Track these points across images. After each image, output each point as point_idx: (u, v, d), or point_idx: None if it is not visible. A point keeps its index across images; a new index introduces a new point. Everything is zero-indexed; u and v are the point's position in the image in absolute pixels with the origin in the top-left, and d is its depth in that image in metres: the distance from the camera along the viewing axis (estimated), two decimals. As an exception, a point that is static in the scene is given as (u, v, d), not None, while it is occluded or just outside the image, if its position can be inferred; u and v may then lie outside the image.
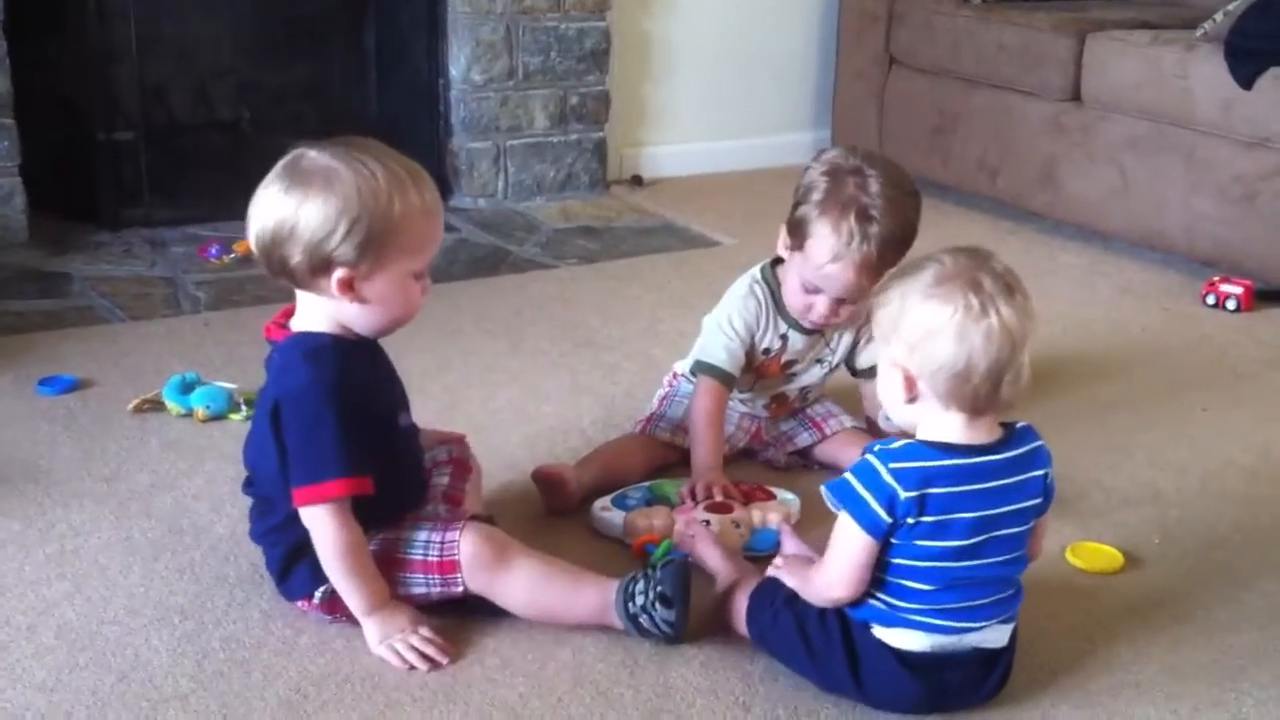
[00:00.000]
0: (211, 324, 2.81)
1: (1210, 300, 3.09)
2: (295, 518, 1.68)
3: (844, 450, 2.17)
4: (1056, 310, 3.01)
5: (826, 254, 2.00)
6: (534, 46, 3.69)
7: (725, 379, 2.13)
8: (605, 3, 3.77)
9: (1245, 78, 3.10)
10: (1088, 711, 1.65)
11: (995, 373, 1.49)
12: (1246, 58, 3.10)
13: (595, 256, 3.36)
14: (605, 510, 2.01)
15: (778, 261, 2.16)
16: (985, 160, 3.72)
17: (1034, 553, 1.65)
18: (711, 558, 1.85)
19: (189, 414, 2.34)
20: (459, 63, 3.64)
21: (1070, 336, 2.89)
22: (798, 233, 2.05)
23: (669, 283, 3.17)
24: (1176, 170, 3.28)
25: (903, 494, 1.52)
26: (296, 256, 1.65)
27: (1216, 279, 3.12)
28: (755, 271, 2.19)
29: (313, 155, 1.66)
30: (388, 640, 1.69)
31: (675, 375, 2.29)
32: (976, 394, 1.51)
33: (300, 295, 1.73)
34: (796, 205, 2.05)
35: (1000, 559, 1.57)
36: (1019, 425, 1.60)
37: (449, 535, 1.73)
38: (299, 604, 1.77)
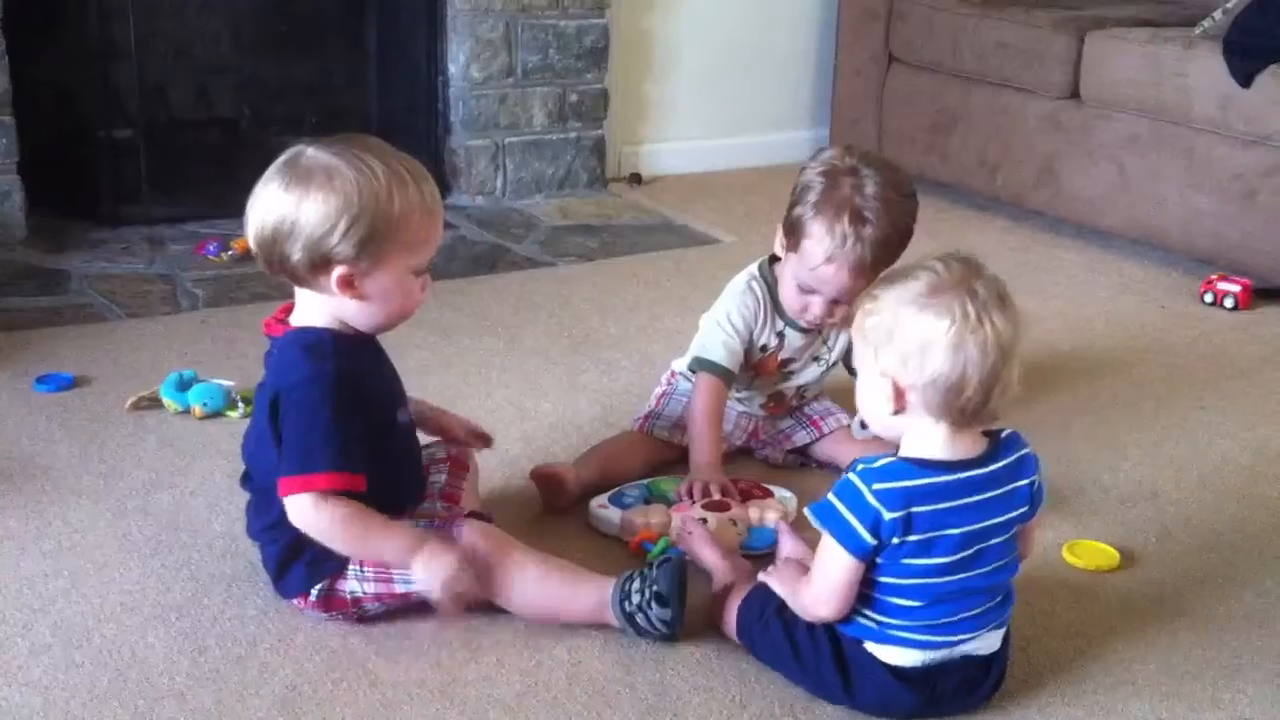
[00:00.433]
0: (209, 321, 2.80)
1: (1208, 298, 3.09)
2: (293, 515, 1.68)
3: (841, 448, 2.18)
4: (1055, 308, 3.01)
5: (820, 255, 2.00)
6: (533, 44, 3.69)
7: (724, 375, 2.12)
8: (604, 0, 3.76)
9: (1244, 75, 3.10)
10: (1084, 710, 1.65)
11: (988, 385, 1.47)
12: (1245, 55, 3.10)
13: (594, 254, 3.35)
14: (603, 508, 2.01)
15: (775, 258, 2.16)
16: (984, 158, 3.72)
17: (1024, 553, 1.64)
18: (708, 556, 1.84)
19: (186, 411, 2.34)
20: (458, 60, 3.63)
21: (1068, 334, 2.88)
22: (793, 233, 2.05)
23: (667, 281, 3.17)
24: (1175, 168, 3.28)
25: (887, 515, 1.49)
26: (296, 254, 1.64)
27: (1215, 277, 3.11)
28: (753, 268, 2.19)
29: (312, 153, 1.66)
30: (448, 587, 1.65)
31: (673, 374, 2.28)
32: (966, 406, 1.48)
33: (299, 292, 1.73)
34: (792, 205, 2.05)
35: (989, 568, 1.56)
36: (1004, 434, 1.58)
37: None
38: (295, 601, 1.77)
